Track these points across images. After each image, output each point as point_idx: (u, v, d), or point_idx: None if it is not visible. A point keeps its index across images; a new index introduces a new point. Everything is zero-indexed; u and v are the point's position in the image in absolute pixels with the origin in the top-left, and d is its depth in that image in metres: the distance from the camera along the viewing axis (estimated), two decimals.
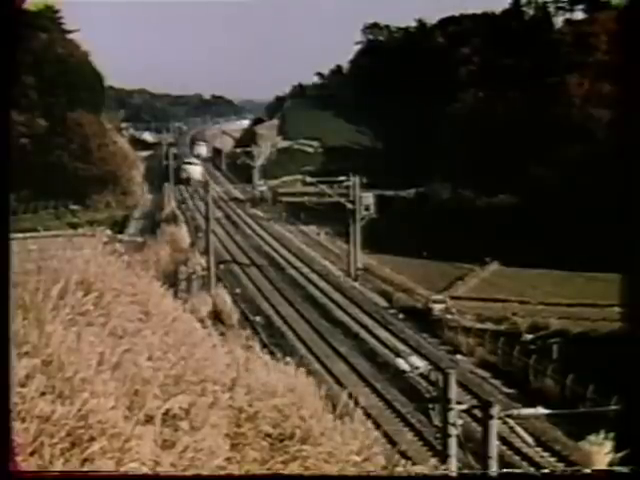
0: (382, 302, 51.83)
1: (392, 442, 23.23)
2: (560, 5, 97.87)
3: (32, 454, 8.20)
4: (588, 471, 12.56)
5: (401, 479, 10.89)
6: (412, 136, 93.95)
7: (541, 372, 36.98)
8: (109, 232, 63.15)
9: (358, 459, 11.13)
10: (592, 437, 16.59)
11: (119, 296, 13.44)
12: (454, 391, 17.68)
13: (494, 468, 16.93)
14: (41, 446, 8.25)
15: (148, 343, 11.43)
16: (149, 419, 9.39)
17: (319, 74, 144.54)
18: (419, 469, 11.73)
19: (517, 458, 27.58)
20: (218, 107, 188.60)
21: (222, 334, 16.85)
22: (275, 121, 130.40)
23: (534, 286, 55.35)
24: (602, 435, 16.65)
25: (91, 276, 13.28)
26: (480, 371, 39.05)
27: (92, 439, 8.52)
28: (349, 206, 60.03)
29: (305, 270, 59.65)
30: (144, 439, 8.80)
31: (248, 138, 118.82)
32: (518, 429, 28.41)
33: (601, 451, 16.28)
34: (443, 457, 17.39)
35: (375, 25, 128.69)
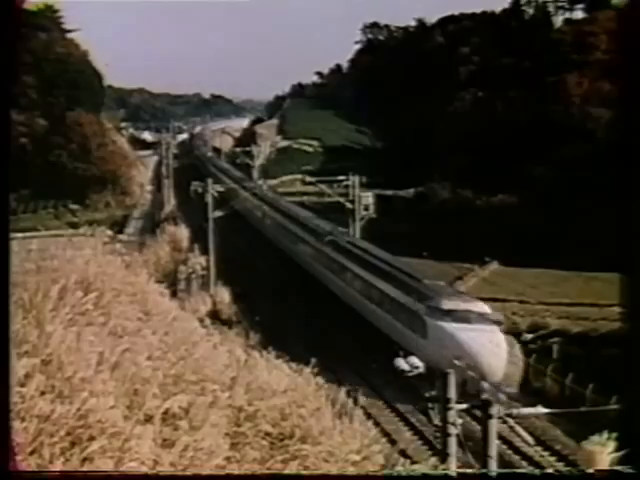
0: None
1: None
2: (560, 4, 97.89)
3: (32, 453, 8.20)
4: (590, 471, 12.56)
5: (401, 479, 10.89)
6: (412, 136, 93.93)
7: (541, 372, 36.98)
8: (109, 232, 63.10)
9: (357, 458, 11.15)
10: (595, 437, 16.55)
11: (119, 296, 13.47)
12: (454, 390, 17.66)
13: (494, 468, 16.92)
14: (41, 445, 8.25)
15: (148, 343, 11.44)
16: (149, 418, 9.40)
17: (319, 73, 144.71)
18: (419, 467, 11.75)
19: (517, 457, 27.61)
20: (218, 106, 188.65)
21: (222, 334, 16.86)
22: (275, 120, 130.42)
23: (534, 286, 55.33)
24: (605, 435, 16.61)
25: (91, 276, 13.31)
26: None
27: (92, 438, 8.52)
28: (348, 206, 59.95)
29: None
30: (144, 438, 8.81)
31: (248, 137, 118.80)
32: (518, 428, 28.37)
33: (604, 451, 16.25)
34: (443, 456, 17.38)
35: (375, 24, 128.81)
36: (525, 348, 40.84)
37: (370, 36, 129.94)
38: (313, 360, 15.35)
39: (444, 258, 62.46)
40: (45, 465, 8.16)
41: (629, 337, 10.32)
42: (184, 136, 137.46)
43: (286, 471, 10.06)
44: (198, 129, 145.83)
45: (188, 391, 10.39)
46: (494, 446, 16.95)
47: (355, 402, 13.34)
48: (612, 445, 15.23)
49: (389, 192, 77.53)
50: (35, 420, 8.46)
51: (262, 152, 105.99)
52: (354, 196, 59.87)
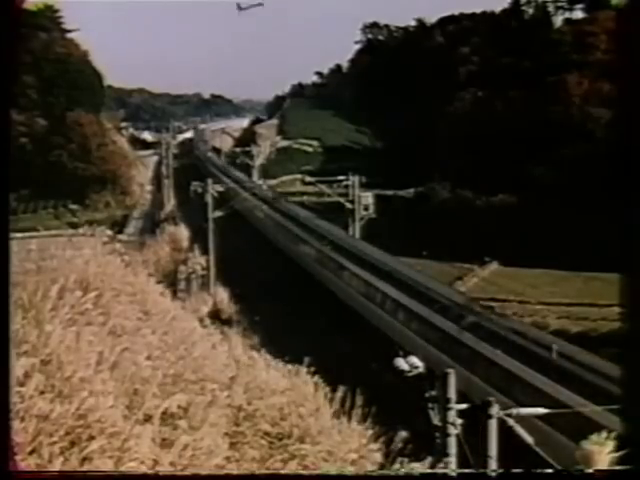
0: None
1: None
2: (559, 4, 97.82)
3: (31, 453, 8.19)
4: (590, 471, 12.55)
5: (401, 479, 10.89)
6: (412, 136, 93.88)
7: None
8: (109, 232, 63.09)
9: (356, 457, 11.15)
10: (594, 436, 16.52)
11: (118, 295, 13.46)
12: (453, 390, 17.64)
13: (494, 467, 16.90)
14: (40, 445, 8.24)
15: (147, 342, 11.43)
16: (148, 418, 9.39)
17: (319, 73, 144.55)
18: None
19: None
20: (217, 106, 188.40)
21: (221, 334, 16.85)
22: (274, 120, 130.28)
23: (533, 286, 55.35)
24: (604, 434, 16.57)
25: (90, 276, 13.30)
26: None
27: (91, 438, 8.51)
28: (348, 206, 60.03)
29: None
30: (143, 438, 8.80)
31: (247, 137, 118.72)
32: (518, 428, 28.17)
33: (602, 451, 16.22)
34: (442, 456, 17.36)
35: (375, 24, 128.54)
36: None
37: (370, 36, 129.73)
38: (312, 360, 15.35)
39: (444, 258, 62.46)
40: (44, 465, 8.15)
41: (629, 337, 10.32)
42: (185, 136, 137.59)
43: (285, 470, 10.05)
44: (203, 127, 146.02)
45: (187, 390, 10.38)
46: (494, 446, 16.93)
47: (353, 402, 13.37)
48: (611, 445, 15.21)
49: (389, 192, 77.49)
50: (34, 420, 8.45)
51: (262, 152, 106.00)
52: (354, 196, 59.94)
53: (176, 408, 9.82)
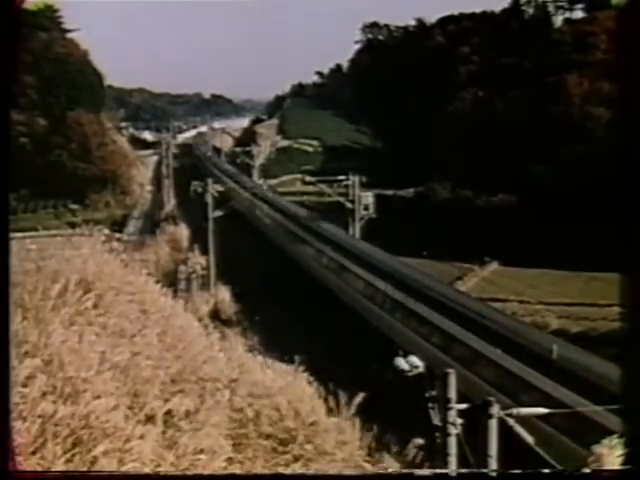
0: None
1: None
2: (559, 4, 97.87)
3: (34, 453, 8.19)
4: (590, 471, 12.56)
5: (401, 478, 10.89)
6: (412, 135, 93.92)
7: None
8: (107, 231, 63.08)
9: (355, 456, 11.15)
10: (606, 441, 16.54)
11: (118, 295, 13.46)
12: (454, 390, 17.64)
13: (494, 467, 16.90)
14: (42, 446, 8.24)
15: (146, 342, 11.43)
16: (150, 419, 9.39)
17: (319, 73, 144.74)
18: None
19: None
20: (218, 106, 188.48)
21: (221, 333, 16.86)
22: (275, 120, 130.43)
23: (534, 286, 55.32)
24: (615, 439, 16.58)
25: (90, 275, 13.30)
26: None
27: (93, 439, 8.51)
28: (348, 205, 59.99)
29: None
30: (145, 439, 8.80)
31: (248, 137, 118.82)
32: (518, 428, 28.18)
33: (612, 454, 16.24)
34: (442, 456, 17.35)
35: (375, 24, 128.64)
36: None
37: (370, 36, 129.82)
38: (312, 360, 15.36)
39: (444, 258, 62.46)
40: (47, 465, 8.14)
41: (629, 337, 10.33)
42: (185, 135, 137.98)
43: (284, 469, 10.05)
44: (217, 125, 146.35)
45: (187, 390, 10.38)
46: (494, 446, 16.92)
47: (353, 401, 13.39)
48: (620, 448, 15.24)
49: (389, 192, 77.53)
50: (37, 420, 8.46)
51: (262, 152, 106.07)
52: (354, 196, 59.90)
53: (176, 408, 9.82)
